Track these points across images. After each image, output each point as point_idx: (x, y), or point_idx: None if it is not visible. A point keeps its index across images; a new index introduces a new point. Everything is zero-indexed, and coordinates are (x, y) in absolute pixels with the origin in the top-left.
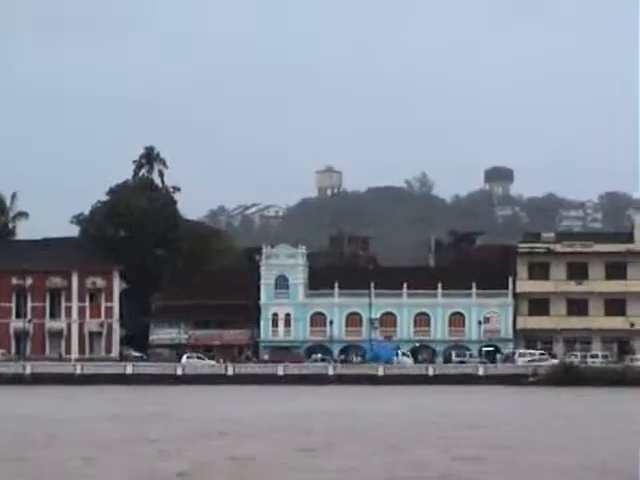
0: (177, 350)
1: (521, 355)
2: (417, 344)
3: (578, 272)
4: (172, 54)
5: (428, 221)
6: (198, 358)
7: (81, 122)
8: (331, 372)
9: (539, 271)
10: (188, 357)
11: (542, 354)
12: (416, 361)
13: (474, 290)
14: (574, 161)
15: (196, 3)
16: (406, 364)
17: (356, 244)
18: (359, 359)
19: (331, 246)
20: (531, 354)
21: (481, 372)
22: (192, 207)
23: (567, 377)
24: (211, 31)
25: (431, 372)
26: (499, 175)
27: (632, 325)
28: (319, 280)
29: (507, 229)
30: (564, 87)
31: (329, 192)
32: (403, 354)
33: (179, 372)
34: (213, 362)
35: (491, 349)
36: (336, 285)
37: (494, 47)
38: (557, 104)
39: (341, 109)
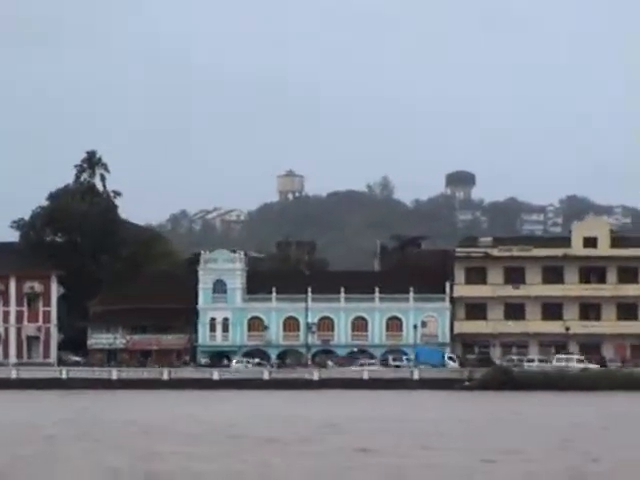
0: (114, 355)
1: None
2: (354, 348)
3: (515, 276)
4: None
5: (389, 225)
6: (247, 363)
7: (27, 124)
8: (266, 377)
9: (476, 275)
10: (237, 362)
11: (580, 359)
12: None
13: (411, 294)
14: (535, 165)
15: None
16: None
17: (303, 249)
18: (331, 363)
19: (278, 251)
20: (568, 359)
21: (416, 376)
22: (153, 211)
23: (502, 381)
24: (175, 30)
25: (366, 376)
26: (460, 179)
27: (567, 329)
28: (258, 285)
29: (468, 233)
30: (524, 92)
31: (290, 196)
32: (450, 358)
33: (114, 377)
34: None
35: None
36: (274, 290)
37: (458, 54)
38: (518, 109)
39: (302, 114)
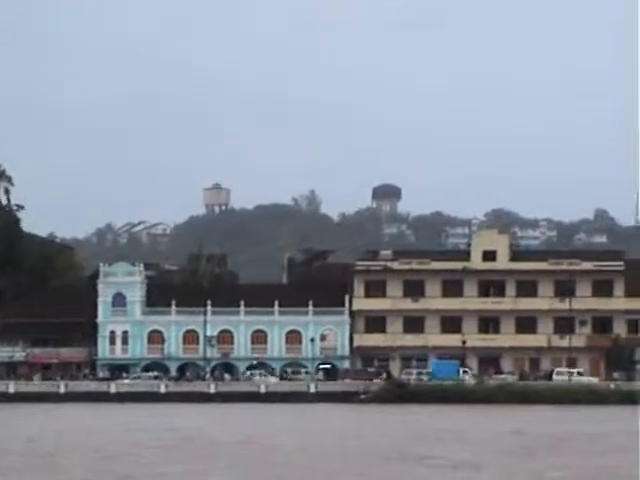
0: (13, 368)
1: (559, 373)
2: (254, 361)
3: (414, 290)
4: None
5: (315, 238)
6: (262, 375)
7: None
8: (163, 390)
9: (376, 289)
10: (252, 374)
11: (580, 373)
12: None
13: (310, 308)
14: (461, 179)
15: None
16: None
17: (213, 262)
18: (228, 376)
19: (189, 264)
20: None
21: (312, 389)
22: (77, 225)
23: (398, 394)
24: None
25: (263, 389)
26: (387, 193)
27: (464, 343)
28: (159, 298)
29: (394, 247)
30: (449, 107)
31: (217, 209)
32: (464, 372)
33: (11, 390)
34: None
35: (328, 366)
36: (173, 303)
37: (386, 70)
38: (442, 124)
39: (229, 127)
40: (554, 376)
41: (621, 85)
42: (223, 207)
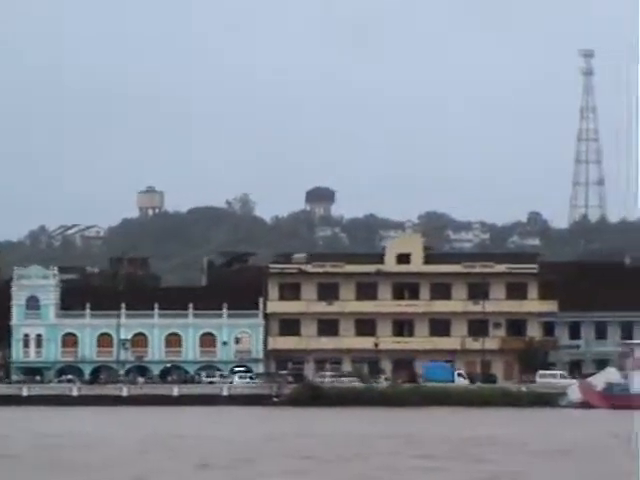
0: None
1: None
2: (168, 364)
3: (329, 292)
4: None
5: (248, 241)
6: (241, 378)
7: None
8: (75, 393)
9: (290, 291)
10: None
11: (563, 375)
12: (165, 382)
13: (225, 311)
14: (395, 182)
15: None
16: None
17: (135, 265)
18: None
19: (111, 267)
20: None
21: (225, 392)
22: (10, 227)
23: (311, 397)
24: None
25: (176, 392)
26: (320, 196)
27: (376, 345)
28: (73, 301)
29: (327, 250)
30: (381, 111)
31: (150, 212)
32: (459, 375)
33: None
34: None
35: (242, 369)
36: (87, 306)
37: (318, 71)
38: (375, 127)
39: (164, 130)
40: (537, 379)
41: (556, 89)
42: (157, 210)
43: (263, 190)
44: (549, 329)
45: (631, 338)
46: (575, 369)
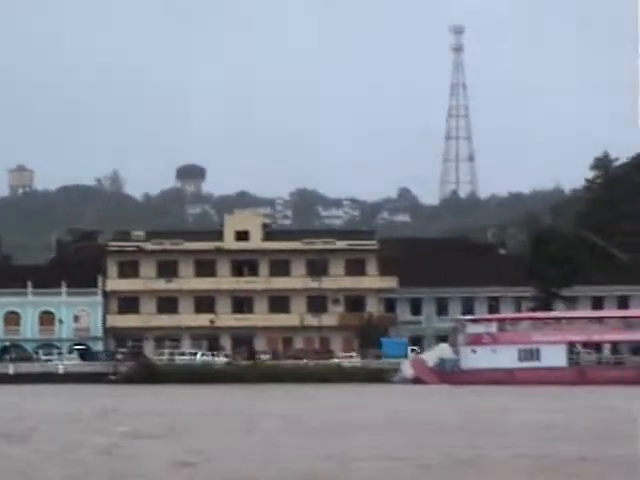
0: None
1: None
2: (7, 343)
3: (168, 270)
4: None
5: (118, 219)
6: (204, 355)
7: None
8: None
9: (129, 269)
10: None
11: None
12: (2, 361)
13: (64, 289)
14: (264, 159)
15: None
16: None
17: None
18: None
19: None
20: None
21: (61, 370)
22: None
23: (146, 375)
24: None
25: (12, 370)
26: (191, 173)
27: (212, 322)
28: None
29: (197, 227)
30: (252, 92)
31: (21, 191)
32: (412, 350)
33: None
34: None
35: (83, 347)
36: None
37: (201, 45)
38: (244, 104)
39: (31, 108)
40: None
41: (426, 66)
42: (27, 189)
43: (134, 168)
44: (390, 305)
45: (472, 314)
46: (416, 345)
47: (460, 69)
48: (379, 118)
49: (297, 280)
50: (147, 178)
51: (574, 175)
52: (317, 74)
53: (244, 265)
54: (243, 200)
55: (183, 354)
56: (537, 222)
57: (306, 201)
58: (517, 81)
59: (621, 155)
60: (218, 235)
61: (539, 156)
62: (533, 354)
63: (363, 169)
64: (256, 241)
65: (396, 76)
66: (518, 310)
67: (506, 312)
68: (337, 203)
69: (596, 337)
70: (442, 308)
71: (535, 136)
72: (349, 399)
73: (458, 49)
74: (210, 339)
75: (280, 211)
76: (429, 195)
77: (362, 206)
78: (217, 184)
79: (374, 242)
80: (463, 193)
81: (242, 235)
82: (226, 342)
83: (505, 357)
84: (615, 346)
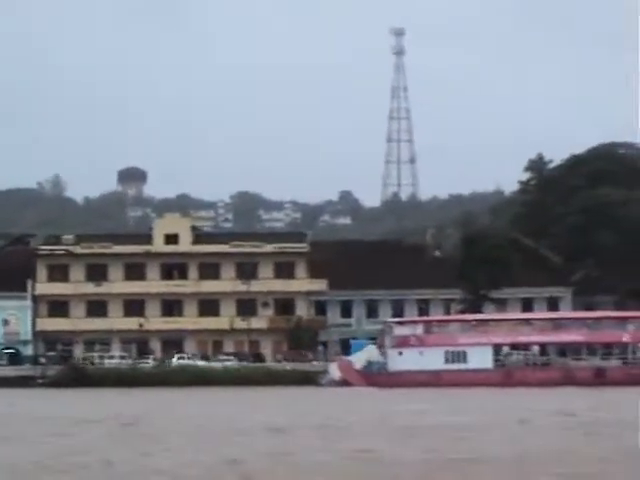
0: None
1: None
2: None
3: (97, 274)
4: None
5: (59, 223)
6: (188, 359)
7: None
8: None
9: (59, 273)
10: (179, 358)
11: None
12: None
13: None
14: (206, 161)
15: None
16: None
17: None
18: None
19: None
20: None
21: None
22: None
23: (75, 379)
24: None
25: None
26: (132, 176)
27: (141, 326)
28: None
29: (138, 230)
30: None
31: None
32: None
33: None
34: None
35: (12, 351)
36: None
37: (141, 49)
38: (185, 108)
39: None
40: None
41: (367, 68)
42: None
43: (75, 171)
44: (320, 308)
45: (402, 316)
46: (346, 347)
47: (401, 71)
48: (320, 121)
49: (227, 283)
50: (89, 181)
51: (514, 177)
52: (251, 75)
53: (174, 268)
54: (184, 203)
55: (112, 357)
56: (472, 223)
57: (247, 204)
58: (457, 83)
59: (555, 157)
60: (148, 239)
61: (480, 158)
62: (460, 356)
63: (305, 172)
64: (185, 244)
65: (337, 79)
66: (448, 312)
67: (436, 314)
68: (278, 206)
69: (523, 339)
70: (372, 311)
71: (476, 137)
72: (269, 402)
73: (399, 52)
74: (140, 342)
75: (222, 214)
76: (371, 197)
77: (303, 209)
78: (158, 187)
79: (304, 245)
80: (404, 195)
81: (171, 239)
82: (156, 345)
83: (432, 359)
84: (543, 348)
